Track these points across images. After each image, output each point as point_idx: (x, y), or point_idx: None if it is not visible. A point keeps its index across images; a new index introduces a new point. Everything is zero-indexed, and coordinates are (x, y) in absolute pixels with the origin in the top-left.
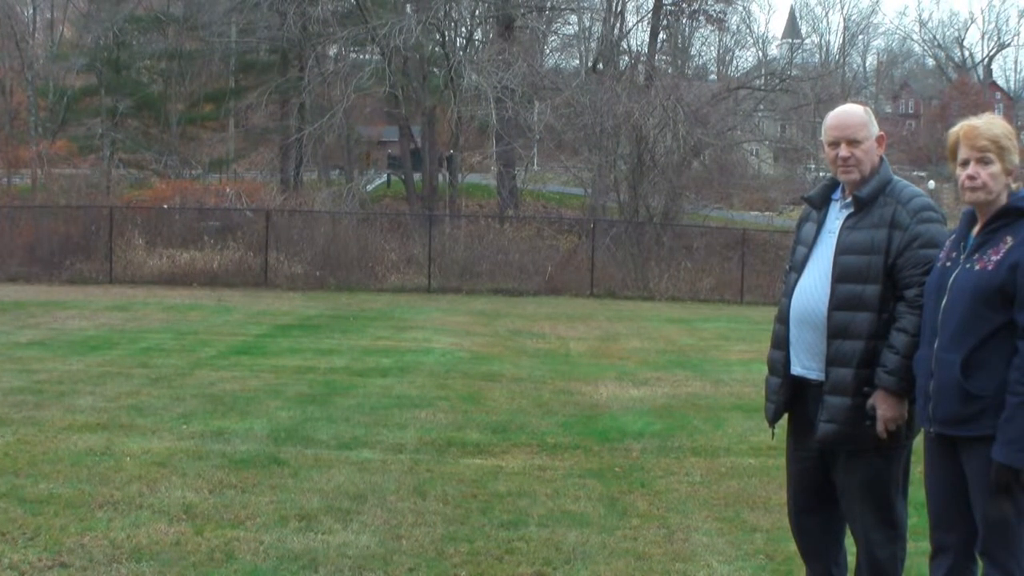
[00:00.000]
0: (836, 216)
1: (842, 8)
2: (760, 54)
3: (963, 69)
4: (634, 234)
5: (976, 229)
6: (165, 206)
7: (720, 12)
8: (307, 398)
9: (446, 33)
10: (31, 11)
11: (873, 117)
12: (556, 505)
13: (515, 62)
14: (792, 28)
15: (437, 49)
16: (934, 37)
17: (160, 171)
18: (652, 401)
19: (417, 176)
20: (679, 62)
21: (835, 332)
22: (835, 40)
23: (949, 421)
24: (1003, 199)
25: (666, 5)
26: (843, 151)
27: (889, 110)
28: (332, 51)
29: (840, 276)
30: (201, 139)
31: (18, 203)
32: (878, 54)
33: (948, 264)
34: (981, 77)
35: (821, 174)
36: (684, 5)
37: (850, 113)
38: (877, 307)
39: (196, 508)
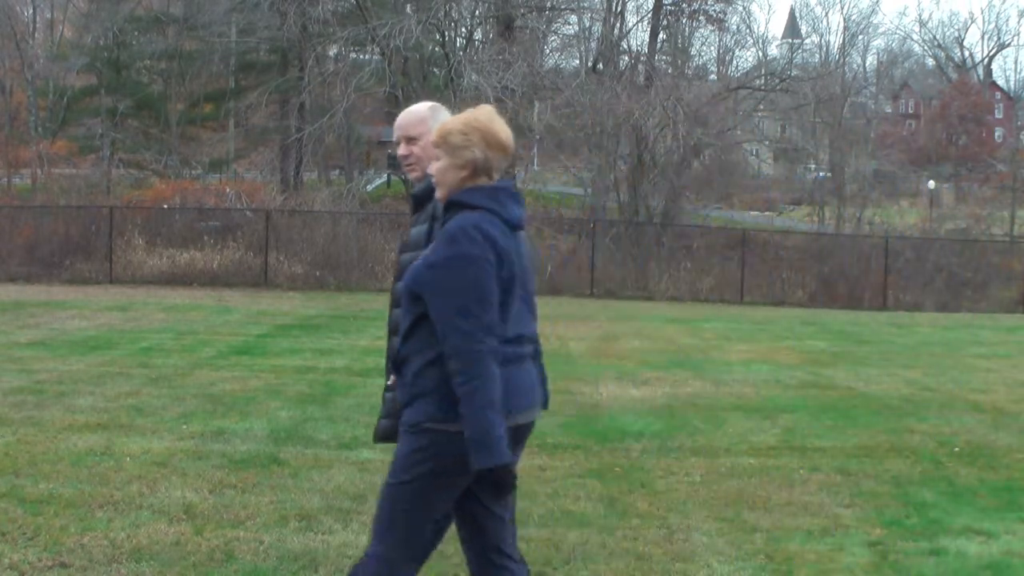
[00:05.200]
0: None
1: (842, 8)
2: (760, 54)
3: (963, 69)
4: (634, 234)
5: None
6: (165, 206)
7: (720, 12)
8: (307, 398)
9: (446, 33)
10: (31, 11)
11: (441, 115)
12: (556, 505)
13: (515, 62)
14: (792, 28)
15: (437, 49)
16: (934, 37)
17: (160, 171)
18: (652, 401)
19: None
20: (679, 62)
21: (393, 329)
22: (835, 40)
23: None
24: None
25: (666, 5)
26: (402, 149)
27: (889, 110)
28: (332, 51)
29: (398, 275)
30: (201, 139)
31: (18, 203)
32: (878, 54)
33: None
34: (981, 77)
35: (820, 174)
36: (684, 5)
37: (409, 111)
38: None
39: (196, 508)
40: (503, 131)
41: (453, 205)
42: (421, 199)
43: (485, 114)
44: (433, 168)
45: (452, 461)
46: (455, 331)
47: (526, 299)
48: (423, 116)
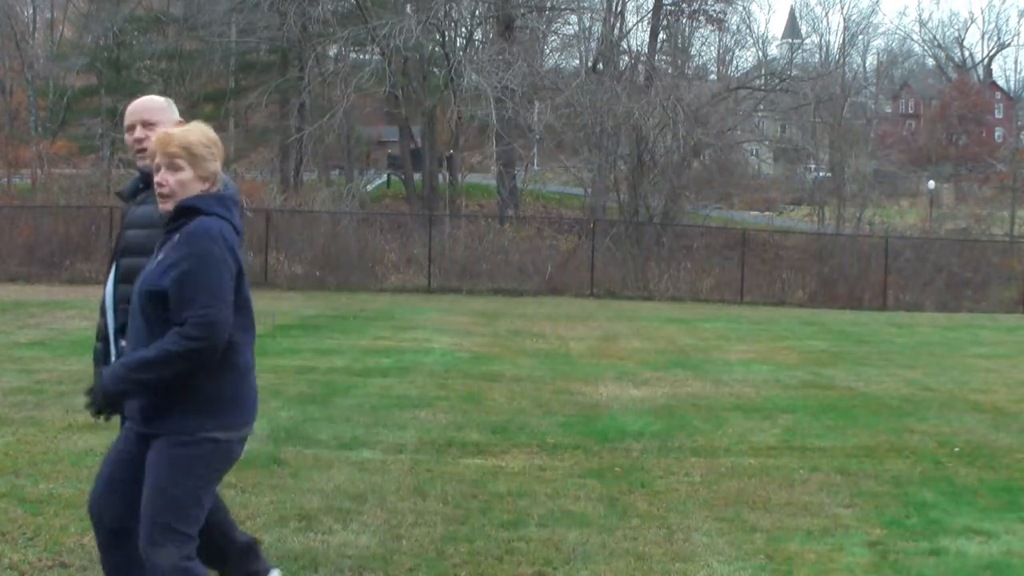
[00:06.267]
0: None
1: (842, 8)
2: (760, 54)
3: (963, 69)
4: (634, 234)
5: None
6: None
7: (720, 12)
8: (307, 398)
9: (446, 33)
10: (31, 11)
11: (174, 108)
12: (556, 505)
13: (515, 62)
14: (792, 28)
15: (437, 49)
16: (934, 37)
17: None
18: (652, 401)
19: (417, 176)
20: (679, 62)
21: (118, 304)
22: (835, 40)
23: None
24: None
25: (666, 5)
26: (138, 132)
27: (889, 110)
28: (332, 51)
29: (124, 250)
30: None
31: (18, 203)
32: (878, 54)
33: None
34: (981, 77)
35: (820, 174)
36: (684, 5)
37: (148, 99)
38: None
39: None
40: None
41: (188, 210)
42: (124, 194)
43: (209, 128)
44: (171, 179)
45: (222, 462)
46: (203, 308)
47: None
48: (163, 106)
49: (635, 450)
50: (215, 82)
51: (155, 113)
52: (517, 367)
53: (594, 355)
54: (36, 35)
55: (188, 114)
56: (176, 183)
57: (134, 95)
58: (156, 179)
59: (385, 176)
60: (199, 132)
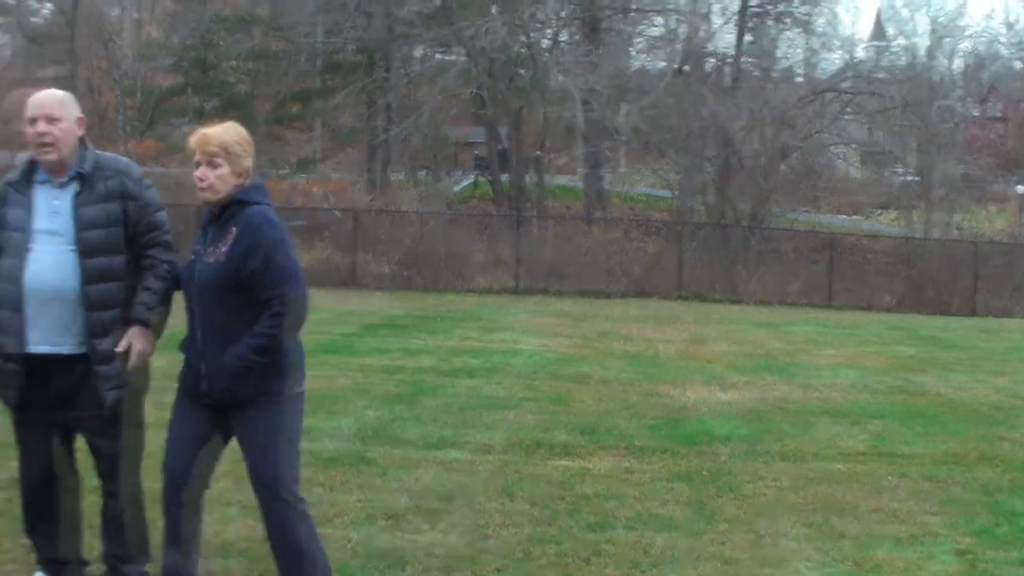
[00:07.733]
0: (52, 196)
1: (928, 10)
2: (847, 56)
3: None
4: (721, 237)
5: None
6: None
7: (805, 14)
8: (394, 398)
9: (531, 34)
10: (118, 11)
11: (75, 102)
12: (643, 508)
13: (601, 64)
14: (878, 30)
15: (523, 51)
16: (1021, 40)
17: None
18: (740, 405)
19: (504, 177)
20: (765, 64)
21: (93, 305)
22: (922, 43)
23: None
24: None
25: (751, 7)
26: (41, 126)
27: (976, 113)
28: (418, 52)
29: (88, 252)
30: (287, 139)
31: None
32: (964, 57)
33: (193, 257)
34: None
35: (909, 178)
36: (769, 7)
37: (49, 94)
38: (124, 275)
39: None
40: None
41: (241, 203)
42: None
43: (241, 127)
44: (211, 175)
45: None
46: (288, 289)
47: None
48: (64, 101)
49: (723, 454)
50: (301, 82)
51: (59, 108)
52: (605, 369)
53: (682, 358)
54: (123, 35)
55: (276, 114)
56: (216, 178)
57: (221, 95)
58: (196, 174)
59: (472, 177)
60: (234, 132)
